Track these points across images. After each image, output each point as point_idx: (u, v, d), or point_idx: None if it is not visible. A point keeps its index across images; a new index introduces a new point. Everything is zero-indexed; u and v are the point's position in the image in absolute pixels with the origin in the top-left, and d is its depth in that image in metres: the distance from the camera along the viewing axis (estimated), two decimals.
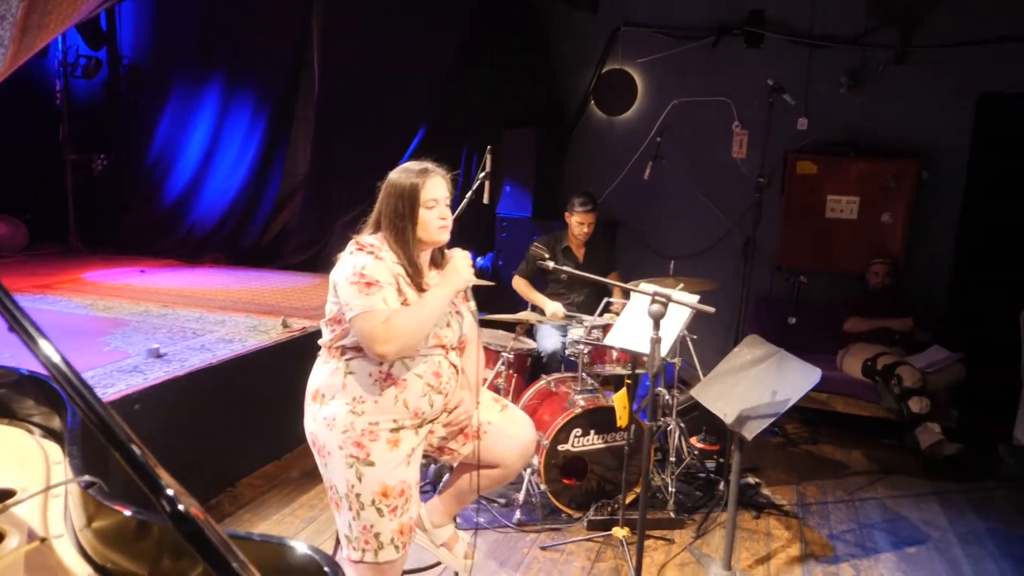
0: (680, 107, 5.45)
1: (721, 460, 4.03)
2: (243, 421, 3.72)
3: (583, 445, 3.57)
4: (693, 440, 4.34)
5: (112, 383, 3.19)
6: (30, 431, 1.76)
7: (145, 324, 4.17)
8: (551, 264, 2.54)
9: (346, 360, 2.15)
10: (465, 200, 3.77)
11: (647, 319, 2.97)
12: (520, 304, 4.41)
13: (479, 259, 5.43)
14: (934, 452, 4.32)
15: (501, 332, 4.17)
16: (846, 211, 5.15)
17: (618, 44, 5.57)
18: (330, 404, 2.16)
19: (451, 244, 2.30)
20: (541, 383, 3.89)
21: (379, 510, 2.10)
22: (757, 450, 4.55)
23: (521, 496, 3.58)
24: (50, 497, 1.47)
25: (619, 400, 3.17)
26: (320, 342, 2.26)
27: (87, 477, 1.36)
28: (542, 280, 4.57)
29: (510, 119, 5.50)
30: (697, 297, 3.13)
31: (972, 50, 4.87)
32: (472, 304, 2.38)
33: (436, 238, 2.20)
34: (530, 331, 4.47)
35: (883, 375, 4.49)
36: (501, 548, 3.30)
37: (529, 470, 3.62)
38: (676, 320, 3.02)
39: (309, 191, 5.59)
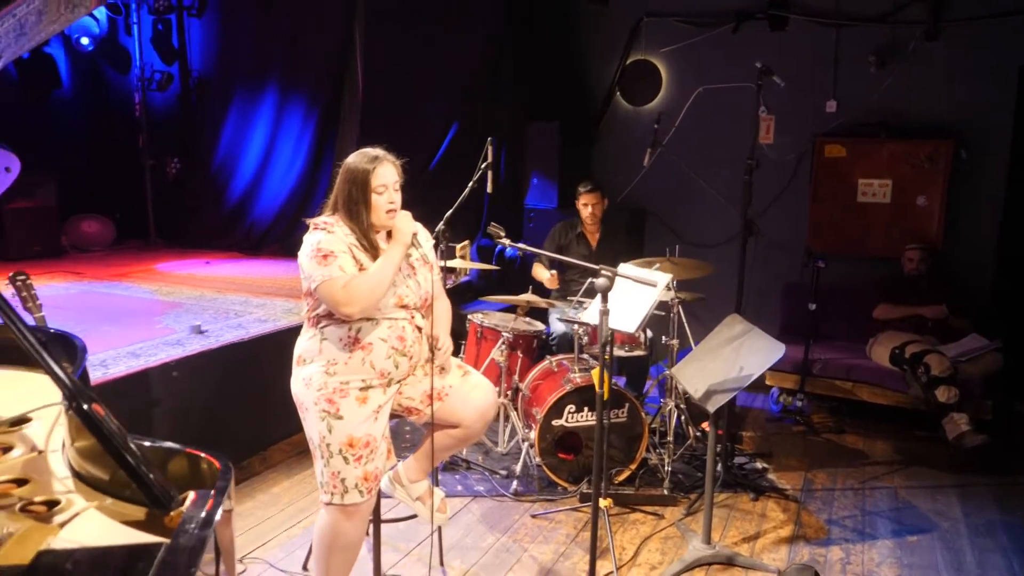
0: (705, 94, 5.46)
1: (728, 444, 4.04)
2: (273, 392, 4.05)
3: (577, 421, 3.70)
4: (704, 425, 4.38)
5: (155, 353, 3.63)
6: None
7: (197, 306, 4.64)
8: (507, 241, 2.72)
9: (320, 328, 2.41)
10: (467, 189, 4.00)
11: (620, 298, 3.12)
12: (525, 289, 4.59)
13: (508, 249, 5.63)
14: (960, 443, 4.17)
15: (511, 315, 4.36)
16: (878, 194, 5.02)
17: (641, 35, 5.64)
18: (309, 366, 2.42)
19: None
20: (545, 363, 4.05)
21: (345, 458, 2.34)
22: (775, 437, 4.54)
23: (518, 468, 3.76)
24: (57, 425, 1.80)
25: (595, 376, 3.28)
26: (301, 315, 2.53)
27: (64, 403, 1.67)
28: (561, 266, 4.73)
29: (536, 112, 5.67)
30: (668, 277, 3.23)
31: (1010, 21, 4.65)
32: (436, 268, 2.60)
33: (384, 222, 2.41)
34: (546, 316, 4.64)
35: (911, 363, 4.38)
36: (494, 514, 3.49)
37: (526, 443, 3.80)
38: (644, 298, 3.11)
39: None
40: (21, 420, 1.81)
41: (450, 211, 3.87)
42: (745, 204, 3.54)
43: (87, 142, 6.75)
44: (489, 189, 4.03)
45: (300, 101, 6.20)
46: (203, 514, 1.19)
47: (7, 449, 1.68)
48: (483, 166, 3.97)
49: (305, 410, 2.41)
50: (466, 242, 4.58)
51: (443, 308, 2.62)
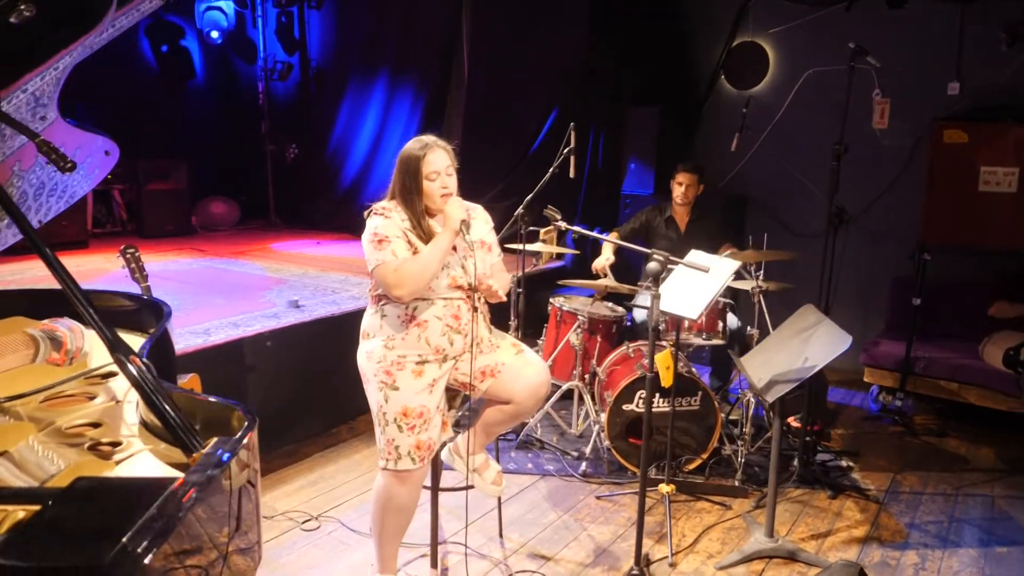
0: (815, 77, 5.21)
1: (807, 439, 3.90)
2: None
3: None
4: (791, 420, 4.23)
5: (253, 323, 3.95)
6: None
7: (299, 283, 4.97)
8: (563, 224, 2.77)
9: (381, 306, 2.58)
10: (548, 174, 4.05)
11: (687, 284, 3.09)
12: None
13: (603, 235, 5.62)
14: None
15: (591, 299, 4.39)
16: (1003, 183, 4.62)
17: (748, 16, 5.44)
18: (371, 340, 2.60)
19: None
20: (622, 348, 4.06)
21: (399, 427, 2.50)
22: (868, 436, 4.32)
23: (588, 450, 3.80)
24: None
25: (662, 361, 3.27)
26: (367, 292, 2.71)
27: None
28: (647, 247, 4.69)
29: (637, 97, 5.61)
30: (735, 264, 3.16)
31: None
32: (496, 250, 2.68)
33: (441, 205, 2.51)
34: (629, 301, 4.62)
35: None
36: (560, 492, 3.57)
37: (597, 427, 3.83)
38: (710, 285, 3.06)
39: (459, 171, 6.13)
40: (109, 374, 2.08)
41: (530, 195, 3.94)
42: (831, 191, 3.39)
43: (216, 129, 7.33)
44: (571, 174, 4.06)
45: (408, 89, 6.44)
46: (216, 455, 1.35)
47: (92, 397, 1.94)
48: (565, 151, 4.01)
49: (367, 381, 2.58)
50: (551, 227, 4.63)
51: (502, 278, 2.65)
